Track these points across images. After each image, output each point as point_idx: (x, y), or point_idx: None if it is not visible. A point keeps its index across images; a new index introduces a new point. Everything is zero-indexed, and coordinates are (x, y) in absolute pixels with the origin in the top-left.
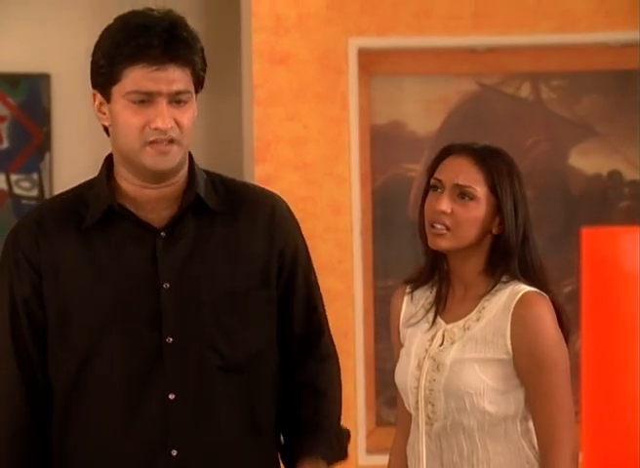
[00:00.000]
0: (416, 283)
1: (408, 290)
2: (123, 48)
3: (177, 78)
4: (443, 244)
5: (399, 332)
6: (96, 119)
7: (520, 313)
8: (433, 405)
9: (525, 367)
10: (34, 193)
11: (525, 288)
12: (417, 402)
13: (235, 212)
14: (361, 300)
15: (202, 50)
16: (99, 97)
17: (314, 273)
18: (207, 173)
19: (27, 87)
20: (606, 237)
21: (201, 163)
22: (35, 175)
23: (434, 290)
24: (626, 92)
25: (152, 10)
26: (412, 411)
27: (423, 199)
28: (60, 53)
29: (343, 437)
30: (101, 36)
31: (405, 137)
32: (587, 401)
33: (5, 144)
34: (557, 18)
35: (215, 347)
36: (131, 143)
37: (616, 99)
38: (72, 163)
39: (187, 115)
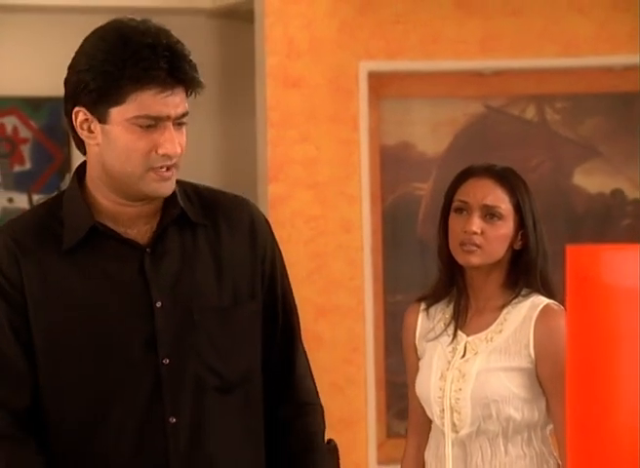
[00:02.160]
0: (431, 299)
1: (423, 306)
2: (129, 70)
3: (181, 100)
4: (475, 260)
5: (415, 348)
6: None
7: (543, 324)
8: (459, 413)
9: (548, 375)
10: None
11: (545, 300)
12: (441, 410)
13: (215, 223)
14: (372, 315)
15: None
16: (84, 114)
17: (288, 278)
18: (179, 182)
19: (49, 110)
20: (589, 254)
21: (216, 182)
22: None
23: (451, 304)
24: (628, 113)
25: (133, 19)
26: (435, 420)
27: (444, 219)
28: None
29: (334, 452)
30: (88, 50)
31: (414, 158)
32: (571, 413)
33: (27, 165)
34: (561, 42)
35: (211, 367)
36: (132, 168)
37: (618, 121)
38: None
39: (185, 137)
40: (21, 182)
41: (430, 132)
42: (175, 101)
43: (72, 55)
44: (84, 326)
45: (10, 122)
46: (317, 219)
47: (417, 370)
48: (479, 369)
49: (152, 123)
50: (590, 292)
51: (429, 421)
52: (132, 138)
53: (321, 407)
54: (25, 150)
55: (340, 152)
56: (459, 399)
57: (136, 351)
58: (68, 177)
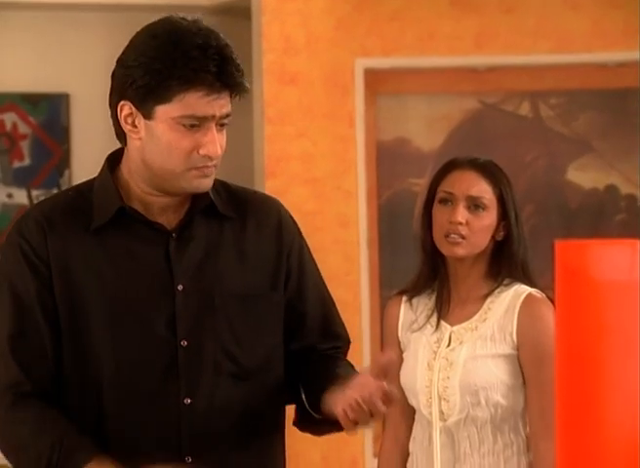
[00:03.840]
0: (414, 291)
1: (405, 298)
2: (178, 70)
3: (226, 102)
4: (460, 252)
5: (398, 341)
6: (113, 136)
7: (526, 312)
8: (448, 401)
9: (527, 359)
10: None
11: (528, 289)
12: (428, 399)
13: (242, 217)
14: (368, 310)
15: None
16: (129, 108)
17: (321, 274)
18: None
19: (47, 106)
20: (577, 249)
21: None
22: (55, 191)
23: (433, 295)
24: (622, 109)
25: (184, 19)
26: (422, 409)
27: (427, 210)
28: (79, 73)
29: None
30: (138, 46)
31: (410, 154)
32: (560, 407)
33: (26, 161)
34: (555, 39)
35: (228, 352)
36: (173, 165)
37: (612, 117)
38: None
39: (225, 138)
40: (21, 178)
41: (426, 127)
42: (220, 103)
43: (67, 51)
44: (108, 303)
45: (9, 118)
46: (314, 215)
47: (397, 362)
48: (466, 357)
49: (196, 123)
50: (579, 286)
51: (408, 413)
52: (175, 137)
53: None
54: (24, 146)
55: (337, 148)
56: (447, 387)
57: (156, 331)
58: (67, 173)
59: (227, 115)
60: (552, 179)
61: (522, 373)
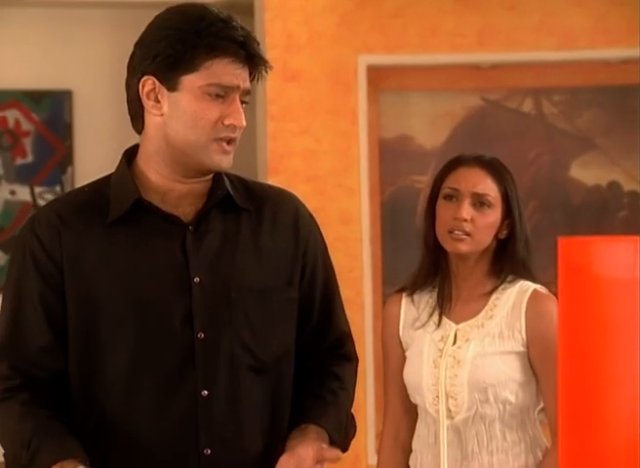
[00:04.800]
0: (414, 287)
1: (406, 294)
2: (207, 38)
3: (247, 77)
4: (463, 248)
5: (399, 339)
6: (115, 133)
7: (532, 308)
8: (456, 398)
9: (539, 357)
10: None
11: (532, 285)
12: (435, 397)
13: (259, 211)
14: (370, 307)
15: None
16: (152, 82)
17: (334, 275)
18: (225, 173)
19: (50, 103)
20: (579, 246)
21: None
22: (58, 188)
23: (434, 292)
24: (625, 106)
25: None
26: (428, 407)
27: (431, 206)
28: (82, 70)
29: (350, 428)
30: (161, 23)
31: (412, 151)
32: (563, 403)
33: (29, 158)
34: (558, 35)
35: (245, 345)
36: (198, 136)
37: (615, 114)
38: (93, 176)
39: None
40: (23, 175)
41: (429, 124)
42: (243, 76)
43: (70, 48)
44: (125, 295)
45: (12, 115)
46: (316, 211)
47: (399, 360)
48: (474, 354)
49: (222, 93)
50: (582, 283)
51: (410, 410)
52: (201, 107)
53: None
54: (27, 143)
55: (340, 145)
56: (454, 385)
57: (173, 323)
58: (70, 170)
59: (249, 92)
60: (555, 176)
61: (532, 370)
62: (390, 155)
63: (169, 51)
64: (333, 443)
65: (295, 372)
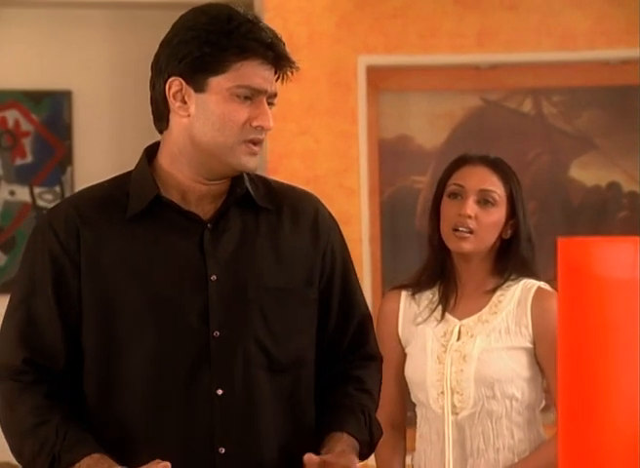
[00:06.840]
0: (419, 286)
1: (409, 292)
2: (237, 39)
3: (274, 78)
4: (466, 246)
5: (397, 336)
6: (115, 133)
7: (537, 305)
8: (461, 394)
9: (546, 353)
10: None
11: (536, 282)
12: (440, 393)
13: (279, 210)
14: (370, 307)
15: None
16: (179, 83)
17: (356, 277)
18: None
19: (50, 103)
20: (579, 246)
21: None
22: (57, 188)
23: (435, 290)
24: (625, 107)
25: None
26: (431, 404)
27: (435, 205)
28: (81, 71)
29: (375, 433)
30: (189, 24)
31: (412, 151)
32: (563, 403)
33: (29, 158)
34: (558, 36)
35: (261, 344)
36: (224, 138)
37: (614, 114)
38: (93, 176)
39: None
40: (23, 175)
41: (428, 125)
42: (271, 78)
43: (69, 48)
44: (142, 292)
45: (11, 115)
46: None
47: (398, 357)
48: (481, 349)
49: (250, 95)
50: (581, 283)
51: (406, 411)
52: (230, 108)
53: None
54: (27, 143)
55: (339, 145)
56: (460, 380)
57: (189, 321)
58: (70, 170)
59: (275, 94)
60: (555, 177)
61: (538, 367)
62: (390, 155)
63: (197, 52)
64: (361, 453)
65: (317, 381)
